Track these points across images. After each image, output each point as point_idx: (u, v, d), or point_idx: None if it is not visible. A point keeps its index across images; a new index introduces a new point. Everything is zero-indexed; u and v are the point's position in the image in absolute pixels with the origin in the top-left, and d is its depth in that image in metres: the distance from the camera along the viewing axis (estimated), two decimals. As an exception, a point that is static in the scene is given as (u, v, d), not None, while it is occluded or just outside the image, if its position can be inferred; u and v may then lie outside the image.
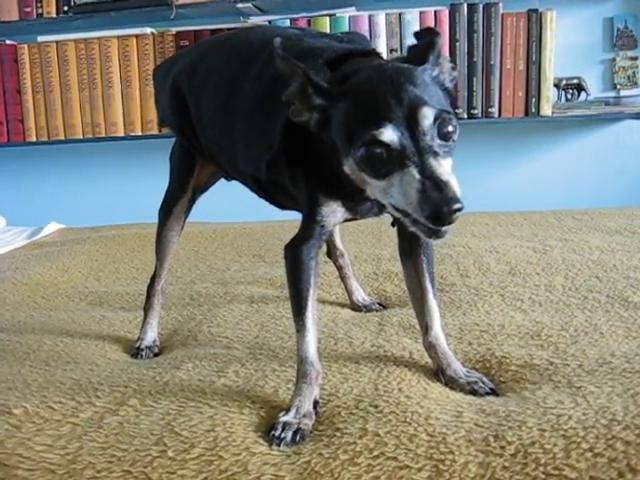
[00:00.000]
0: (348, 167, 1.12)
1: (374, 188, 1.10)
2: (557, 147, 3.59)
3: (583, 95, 3.50)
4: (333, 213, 1.29)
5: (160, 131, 3.39)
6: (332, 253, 1.92)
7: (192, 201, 1.71)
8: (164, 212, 1.73)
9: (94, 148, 3.72)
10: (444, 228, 1.01)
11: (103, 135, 3.58)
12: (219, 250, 2.73)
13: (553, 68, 3.28)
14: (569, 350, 1.42)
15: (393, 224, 1.38)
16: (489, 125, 3.45)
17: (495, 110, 3.32)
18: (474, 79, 3.29)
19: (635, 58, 3.59)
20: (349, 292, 1.90)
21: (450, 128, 1.07)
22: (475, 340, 1.53)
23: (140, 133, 3.53)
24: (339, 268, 1.93)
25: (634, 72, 3.60)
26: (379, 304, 1.88)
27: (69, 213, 3.73)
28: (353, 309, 1.87)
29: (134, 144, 3.64)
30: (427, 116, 1.04)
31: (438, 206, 0.97)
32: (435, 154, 1.03)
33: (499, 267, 2.11)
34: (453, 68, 1.20)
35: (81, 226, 3.50)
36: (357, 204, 1.30)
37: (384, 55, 1.43)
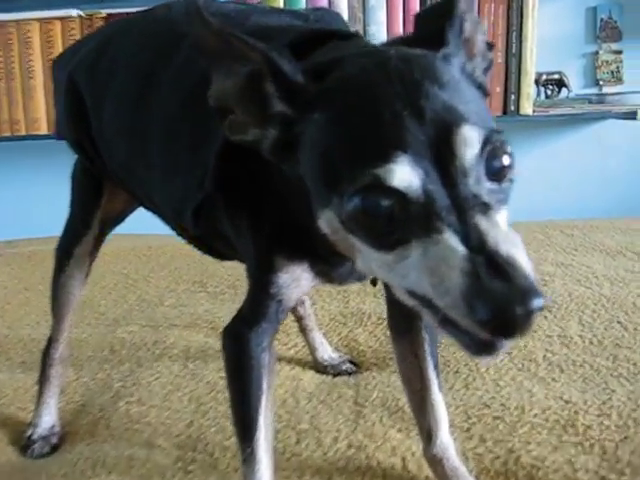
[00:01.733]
0: (326, 224, 0.70)
1: (372, 261, 0.68)
2: (536, 148, 3.23)
3: (564, 92, 3.16)
4: (296, 282, 0.87)
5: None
6: None
7: (101, 238, 1.28)
8: (62, 254, 1.31)
9: (12, 148, 3.23)
10: (505, 341, 0.61)
11: (23, 133, 3.10)
12: (153, 275, 2.30)
13: (535, 62, 2.92)
14: (622, 454, 1.04)
15: (374, 282, 0.96)
16: (463, 125, 3.07)
17: (471, 108, 2.94)
18: (447, 73, 2.91)
19: (619, 52, 3.25)
20: (312, 348, 1.49)
21: (505, 160, 0.67)
22: (489, 433, 1.14)
23: (65, 131, 3.07)
24: (298, 319, 1.51)
25: (618, 67, 3.26)
26: (351, 362, 1.47)
27: (-16, 223, 3.26)
28: (318, 370, 1.46)
29: (59, 143, 3.16)
30: (470, 142, 0.64)
31: (505, 305, 0.57)
32: (485, 208, 0.63)
33: (496, 307, 1.72)
34: (489, 46, 0.79)
35: (-2, 238, 3.03)
36: (333, 268, 0.89)
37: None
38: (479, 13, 2.87)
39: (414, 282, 0.64)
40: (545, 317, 1.64)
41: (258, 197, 0.84)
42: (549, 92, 3.17)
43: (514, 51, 2.89)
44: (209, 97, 0.74)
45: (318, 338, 1.49)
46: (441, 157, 0.64)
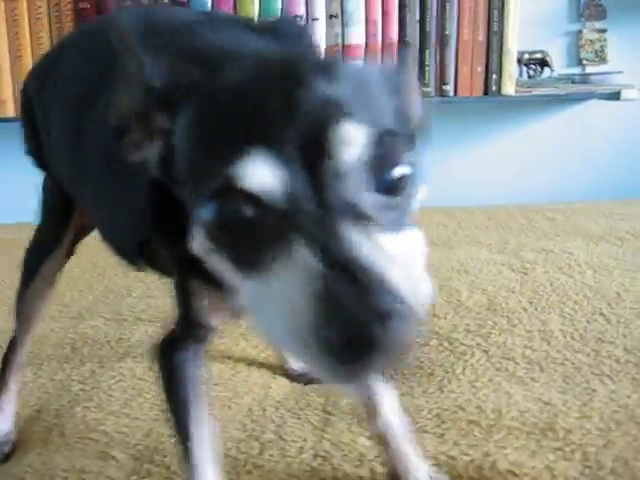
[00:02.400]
0: (197, 243, 0.62)
1: (242, 292, 0.60)
2: (517, 130, 3.16)
3: (547, 71, 3.09)
4: (213, 308, 0.82)
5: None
6: None
7: (71, 251, 1.20)
8: (28, 271, 1.22)
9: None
10: (369, 367, 0.51)
11: (-10, 116, 3.01)
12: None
13: (516, 40, 2.84)
14: (605, 460, 0.98)
15: None
16: (443, 105, 2.98)
17: (450, 88, 2.85)
18: (427, 52, 2.81)
19: (603, 30, 3.17)
20: (282, 357, 1.41)
21: (401, 170, 0.58)
22: (463, 438, 1.08)
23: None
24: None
25: (602, 46, 3.18)
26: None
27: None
28: (288, 377, 1.38)
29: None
30: (349, 140, 0.56)
31: (352, 317, 0.49)
32: (360, 219, 0.54)
33: (473, 299, 1.66)
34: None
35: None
36: None
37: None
38: (460, -10, 2.79)
39: (270, 319, 0.55)
40: (525, 310, 1.58)
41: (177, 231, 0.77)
42: (531, 72, 3.10)
43: (495, 29, 2.81)
44: (110, 112, 0.68)
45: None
46: (313, 157, 0.55)
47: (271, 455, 1.06)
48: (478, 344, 1.41)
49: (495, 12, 2.81)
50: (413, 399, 1.21)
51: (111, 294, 1.94)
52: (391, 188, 0.57)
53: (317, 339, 0.50)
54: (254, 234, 0.56)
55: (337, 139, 0.55)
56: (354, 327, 0.48)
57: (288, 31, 0.88)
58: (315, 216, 0.53)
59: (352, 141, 0.55)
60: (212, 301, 0.80)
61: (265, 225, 0.55)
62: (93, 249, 2.27)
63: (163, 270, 0.95)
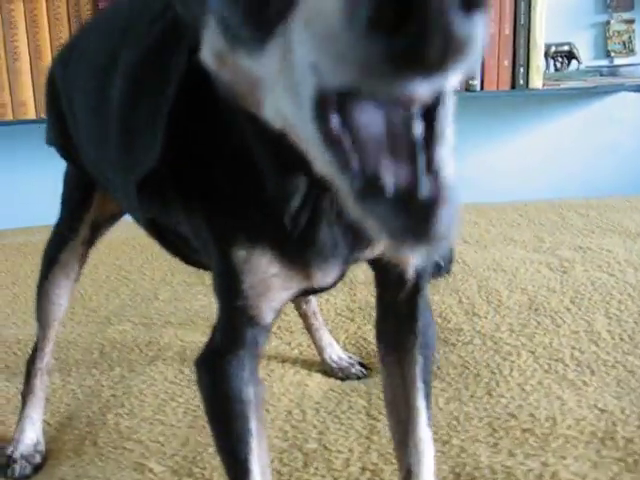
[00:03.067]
0: (210, 53, 0.51)
1: (263, 82, 0.47)
2: (545, 123, 3.09)
3: (574, 64, 3.02)
4: (264, 284, 0.68)
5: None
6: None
7: (92, 241, 1.14)
8: (47, 260, 1.18)
9: (0, 133, 3.10)
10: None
11: (10, 118, 2.96)
12: (147, 266, 2.17)
13: (544, 33, 2.77)
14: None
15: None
16: (470, 100, 2.93)
17: (477, 82, 2.79)
18: (452, 46, 2.76)
19: (631, 21, 3.10)
20: (319, 349, 1.37)
21: None
22: (518, 448, 1.02)
23: (54, 115, 2.93)
24: (303, 317, 1.38)
25: (630, 37, 3.12)
26: (360, 364, 1.35)
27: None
28: (325, 372, 1.34)
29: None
30: None
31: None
32: None
33: (514, 298, 1.60)
34: None
35: (-13, 227, 2.91)
36: (305, 250, 0.67)
37: None
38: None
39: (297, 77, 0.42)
40: (568, 310, 1.51)
41: (210, 171, 0.67)
42: (558, 64, 3.03)
43: (522, 22, 2.75)
44: None
45: (326, 338, 1.37)
46: None
47: (316, 469, 1.00)
48: (523, 344, 1.35)
49: (522, 4, 2.75)
50: (462, 405, 1.15)
51: (138, 297, 1.89)
52: None
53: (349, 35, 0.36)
54: None
55: None
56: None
57: None
58: None
59: None
60: (262, 271, 0.67)
61: None
62: (117, 252, 2.26)
63: (182, 248, 0.85)
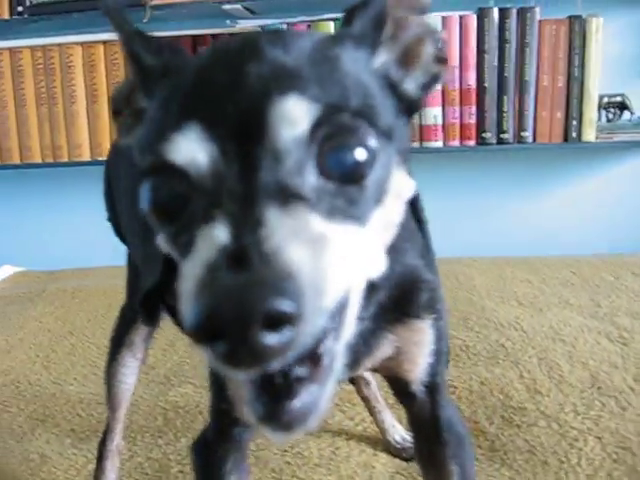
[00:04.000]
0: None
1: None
2: (595, 175, 3.05)
3: (626, 114, 3.00)
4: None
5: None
6: (354, 380, 1.37)
7: (157, 320, 1.17)
8: (115, 342, 1.21)
9: (56, 174, 3.14)
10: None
11: (65, 160, 3.01)
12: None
13: (597, 85, 2.76)
14: None
15: None
16: (521, 151, 2.92)
17: (529, 134, 2.79)
18: (505, 98, 2.76)
19: (685, 71, 3.09)
20: (382, 430, 1.37)
21: (359, 154, 0.53)
22: None
23: (109, 157, 2.97)
24: (365, 400, 1.39)
25: (683, 87, 3.10)
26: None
27: (27, 252, 3.13)
28: (390, 452, 1.34)
29: (102, 170, 3.06)
30: (291, 116, 0.51)
31: (222, 297, 0.44)
32: (290, 200, 0.49)
33: (576, 374, 1.59)
34: (440, 60, 0.65)
35: (39, 268, 2.95)
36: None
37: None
38: (539, 35, 2.73)
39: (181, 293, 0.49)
40: (632, 389, 1.50)
41: None
42: (610, 115, 3.01)
43: (576, 74, 2.75)
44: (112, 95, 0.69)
45: (388, 420, 1.37)
46: (250, 133, 0.50)
47: None
48: (589, 429, 1.35)
49: (576, 57, 2.75)
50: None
51: (195, 355, 1.91)
52: (344, 174, 0.52)
53: (190, 310, 0.44)
54: (185, 212, 0.53)
55: (276, 115, 0.50)
56: (216, 311, 0.43)
57: None
58: (238, 195, 0.49)
59: (293, 118, 0.51)
60: None
61: (194, 203, 0.52)
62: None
63: None
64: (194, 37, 2.88)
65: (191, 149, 0.51)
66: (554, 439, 1.32)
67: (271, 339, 0.43)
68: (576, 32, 2.74)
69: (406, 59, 0.63)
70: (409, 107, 0.62)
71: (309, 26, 2.82)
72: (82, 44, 2.97)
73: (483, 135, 2.77)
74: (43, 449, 1.44)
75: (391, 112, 0.59)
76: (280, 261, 0.45)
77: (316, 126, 0.51)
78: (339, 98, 0.53)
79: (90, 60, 2.98)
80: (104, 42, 2.96)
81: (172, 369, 1.82)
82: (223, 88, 0.52)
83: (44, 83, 3.01)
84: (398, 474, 1.26)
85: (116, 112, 0.68)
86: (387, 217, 0.57)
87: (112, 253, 2.84)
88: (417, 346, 0.77)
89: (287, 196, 0.49)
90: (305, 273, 0.45)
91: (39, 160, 3.03)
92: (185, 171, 0.51)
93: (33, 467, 1.37)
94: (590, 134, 2.78)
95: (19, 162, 3.04)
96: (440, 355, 0.79)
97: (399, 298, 0.73)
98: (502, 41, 2.74)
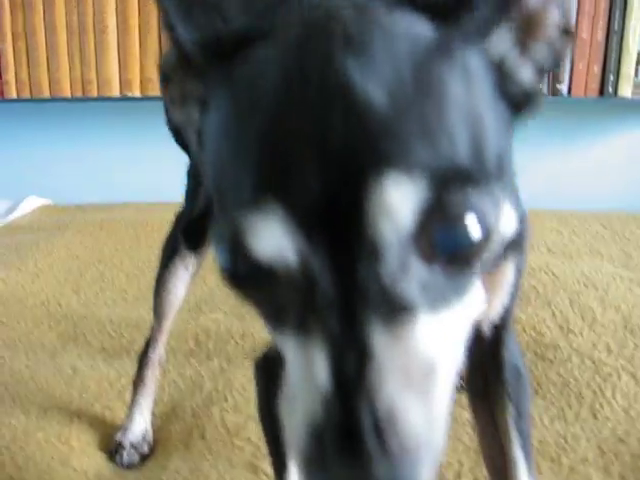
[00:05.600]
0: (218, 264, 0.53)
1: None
2: (630, 132, 3.02)
3: (663, 72, 2.95)
4: None
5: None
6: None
7: None
8: (167, 249, 1.18)
9: (85, 109, 3.13)
10: None
11: (95, 94, 2.99)
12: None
13: (637, 41, 2.72)
14: None
15: None
16: (555, 104, 2.88)
17: (564, 87, 2.75)
18: (542, 49, 2.72)
19: None
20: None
21: (474, 232, 0.43)
22: (631, 473, 1.01)
23: (139, 95, 2.94)
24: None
25: None
26: (460, 377, 1.34)
27: (53, 185, 3.12)
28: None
29: (131, 106, 3.05)
30: (392, 208, 0.41)
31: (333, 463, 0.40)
32: (394, 311, 0.42)
33: (607, 316, 1.58)
34: (565, 32, 0.52)
35: (66, 202, 2.95)
36: None
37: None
38: (580, -14, 2.68)
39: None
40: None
41: None
42: (647, 72, 2.97)
43: (616, 28, 2.70)
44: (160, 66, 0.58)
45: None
46: (343, 224, 0.41)
47: (429, 479, 1.01)
48: (623, 366, 1.34)
49: (617, 11, 2.69)
50: (567, 425, 1.15)
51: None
52: (455, 257, 0.43)
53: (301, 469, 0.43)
54: (268, 296, 0.46)
55: (374, 205, 0.41)
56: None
57: None
58: (334, 302, 0.41)
59: (395, 209, 0.41)
60: None
61: (282, 294, 0.44)
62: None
63: None
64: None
65: (275, 241, 0.42)
66: (588, 374, 1.32)
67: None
68: (618, -16, 2.68)
69: (526, 35, 0.51)
70: (519, 105, 0.51)
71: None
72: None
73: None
74: (75, 364, 1.45)
75: (503, 131, 0.49)
76: (398, 438, 0.40)
77: (422, 214, 0.42)
78: (448, 157, 0.42)
79: (123, -4, 2.94)
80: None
81: (202, 298, 1.82)
82: (304, 148, 0.42)
83: (76, 11, 2.95)
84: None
85: (165, 80, 0.58)
86: (488, 256, 0.46)
87: (139, 189, 2.83)
88: (497, 289, 0.69)
89: (391, 305, 0.42)
90: (422, 439, 0.41)
91: (68, 94, 3.00)
92: (268, 264, 0.43)
93: (66, 379, 1.38)
94: (627, 89, 2.73)
95: (48, 96, 3.02)
96: (516, 294, 0.72)
97: None
98: (541, -9, 2.69)
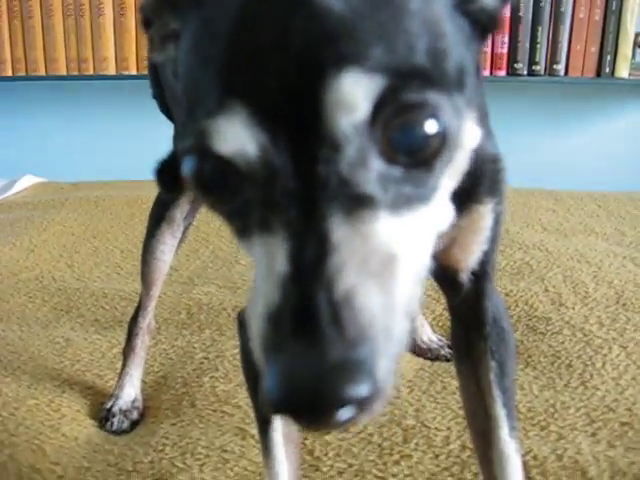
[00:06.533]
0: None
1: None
2: (626, 113, 3.02)
3: (661, 53, 2.95)
4: None
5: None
6: None
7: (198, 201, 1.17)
8: (154, 217, 1.19)
9: (80, 87, 3.12)
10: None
11: (91, 73, 2.98)
12: (225, 228, 2.18)
13: (635, 22, 2.71)
14: None
15: None
16: (552, 85, 2.88)
17: (561, 67, 2.75)
18: (539, 28, 2.71)
19: None
20: (411, 329, 1.37)
21: (430, 130, 0.44)
22: (618, 440, 1.02)
23: (135, 72, 2.94)
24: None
25: None
26: (449, 347, 1.35)
27: (48, 163, 3.12)
28: (414, 352, 1.34)
29: (127, 84, 3.04)
30: (349, 100, 0.43)
31: (293, 381, 0.41)
32: (356, 203, 0.43)
33: (600, 291, 1.58)
34: None
35: (61, 180, 2.95)
36: None
37: None
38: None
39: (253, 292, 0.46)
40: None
41: None
42: (645, 53, 2.97)
43: (614, 8, 2.69)
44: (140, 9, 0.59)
45: (418, 319, 1.37)
46: (303, 118, 0.43)
47: (417, 444, 1.02)
48: (614, 339, 1.34)
49: (614, -9, 2.69)
50: (557, 393, 1.16)
51: (218, 260, 1.91)
52: (413, 156, 0.45)
53: (262, 359, 0.44)
54: (234, 196, 0.47)
55: (332, 99, 0.42)
56: (290, 382, 0.41)
57: None
58: (295, 194, 0.43)
59: (352, 102, 0.42)
60: None
61: (245, 191, 0.46)
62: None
63: None
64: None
65: (238, 138, 0.43)
66: (579, 346, 1.32)
67: (347, 413, 0.40)
68: (615, -36, 2.67)
69: None
70: (484, 28, 0.52)
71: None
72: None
73: (514, 65, 2.72)
74: (68, 335, 1.46)
75: (463, 46, 0.49)
76: (354, 321, 0.41)
77: (379, 106, 0.43)
78: (405, 58, 0.44)
79: (119, -27, 2.93)
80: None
81: (195, 271, 1.83)
82: (267, 51, 0.44)
83: (71, -7, 2.95)
84: (422, 370, 1.27)
85: (146, 22, 0.58)
86: (453, 171, 0.49)
87: (134, 167, 2.84)
88: (474, 233, 0.70)
89: (351, 197, 0.43)
90: (379, 325, 0.41)
91: (64, 72, 3.00)
92: (227, 159, 0.45)
93: (59, 349, 1.38)
94: (624, 70, 2.74)
95: (44, 74, 3.01)
96: (495, 241, 0.72)
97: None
98: (539, -31, 2.69)
